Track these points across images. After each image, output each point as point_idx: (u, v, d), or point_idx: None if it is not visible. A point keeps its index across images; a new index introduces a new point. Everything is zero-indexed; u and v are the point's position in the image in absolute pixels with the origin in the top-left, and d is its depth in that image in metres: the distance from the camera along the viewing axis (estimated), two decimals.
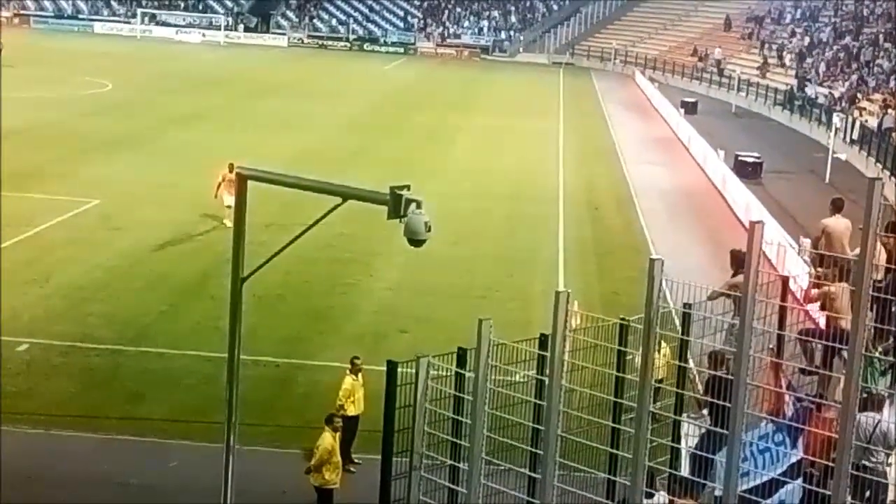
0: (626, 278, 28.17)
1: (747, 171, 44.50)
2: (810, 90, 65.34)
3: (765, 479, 11.15)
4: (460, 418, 10.01)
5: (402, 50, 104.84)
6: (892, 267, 15.38)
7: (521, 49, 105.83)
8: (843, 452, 7.76)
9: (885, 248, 15.61)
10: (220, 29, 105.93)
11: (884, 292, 15.38)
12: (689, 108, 64.92)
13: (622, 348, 11.23)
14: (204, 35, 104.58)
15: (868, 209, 7.47)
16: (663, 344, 12.68)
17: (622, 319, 11.68)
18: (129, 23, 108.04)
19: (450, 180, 41.72)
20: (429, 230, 10.47)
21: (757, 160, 46.40)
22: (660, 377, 14.52)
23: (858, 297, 7.49)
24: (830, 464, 8.36)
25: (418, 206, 10.54)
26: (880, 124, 50.25)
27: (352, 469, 17.29)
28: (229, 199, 30.47)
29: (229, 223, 27.95)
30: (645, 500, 10.54)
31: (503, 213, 37.26)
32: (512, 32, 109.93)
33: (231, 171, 28.23)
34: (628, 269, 29.14)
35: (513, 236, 34.44)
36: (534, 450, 9.98)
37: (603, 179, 45.35)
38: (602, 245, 33.94)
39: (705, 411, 12.86)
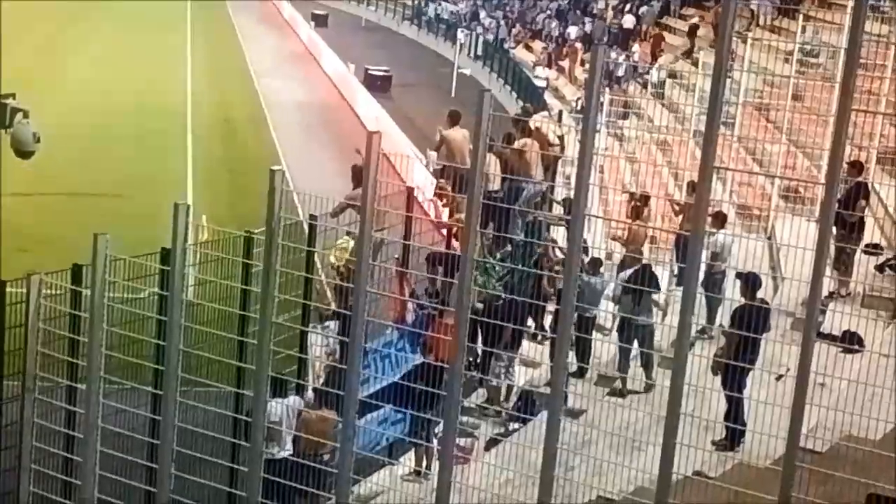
0: (259, 193, 27.96)
1: (377, 85, 45.22)
2: (435, 6, 66.97)
3: (385, 383, 11.54)
4: (76, 337, 9.70)
5: None
6: (509, 177, 16.18)
7: None
8: (459, 353, 8.06)
9: (501, 159, 16.36)
10: None
11: (502, 202, 16.16)
12: (320, 21, 64.99)
13: (247, 260, 11.21)
14: None
15: (478, 120, 7.70)
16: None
17: (248, 232, 11.65)
18: None
19: (73, 94, 39.82)
20: (38, 141, 9.90)
21: (386, 74, 47.21)
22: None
23: (470, 204, 7.75)
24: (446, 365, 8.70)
25: (25, 115, 9.93)
26: (496, 36, 53.40)
27: None
28: None
29: None
30: (277, 400, 10.70)
31: (131, 130, 35.99)
32: None
33: None
34: (262, 185, 28.90)
35: (143, 152, 33.42)
36: (157, 366, 9.82)
37: (234, 94, 44.74)
38: (234, 161, 33.58)
39: (330, 323, 13.13)
